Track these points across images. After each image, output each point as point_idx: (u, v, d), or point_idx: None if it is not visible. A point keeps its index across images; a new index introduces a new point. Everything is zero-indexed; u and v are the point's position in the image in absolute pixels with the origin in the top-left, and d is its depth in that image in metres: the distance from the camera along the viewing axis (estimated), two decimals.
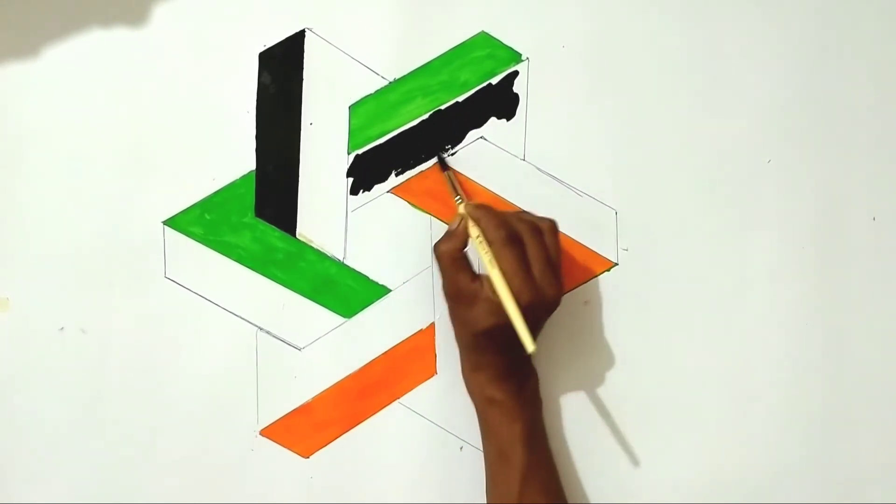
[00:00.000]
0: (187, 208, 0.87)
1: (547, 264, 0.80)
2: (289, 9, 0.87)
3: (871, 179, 0.91)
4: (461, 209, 0.83)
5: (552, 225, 0.83)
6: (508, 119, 0.89)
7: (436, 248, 0.83)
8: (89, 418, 0.86)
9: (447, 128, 0.89)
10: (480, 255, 0.80)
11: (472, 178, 0.89)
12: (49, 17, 0.86)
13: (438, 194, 0.88)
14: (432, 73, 0.88)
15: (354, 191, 0.88)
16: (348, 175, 0.88)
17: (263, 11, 0.87)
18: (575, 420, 0.89)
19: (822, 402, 0.90)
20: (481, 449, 0.86)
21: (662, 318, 0.89)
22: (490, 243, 0.80)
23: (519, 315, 0.78)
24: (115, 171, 0.87)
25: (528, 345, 0.77)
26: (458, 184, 0.86)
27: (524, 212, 0.85)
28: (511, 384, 0.82)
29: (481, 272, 0.82)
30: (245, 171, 0.87)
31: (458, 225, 0.82)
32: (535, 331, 0.81)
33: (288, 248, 0.88)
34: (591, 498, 0.87)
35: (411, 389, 0.88)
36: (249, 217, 0.87)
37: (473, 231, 0.81)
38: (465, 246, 0.82)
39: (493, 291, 0.79)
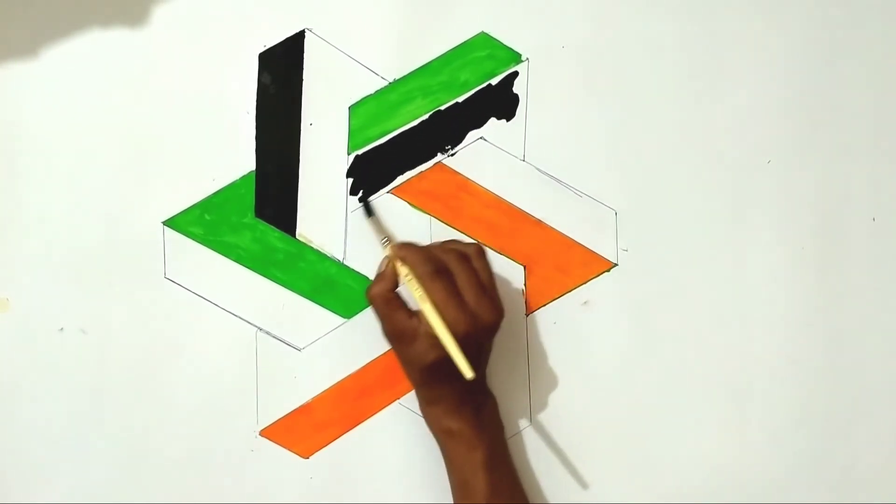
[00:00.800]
0: (187, 209, 0.87)
1: (479, 289, 0.80)
2: (289, 9, 0.87)
3: (871, 180, 0.91)
4: (387, 251, 0.83)
5: (478, 248, 0.83)
6: (508, 119, 0.89)
7: (367, 292, 0.82)
8: (89, 418, 0.86)
9: (447, 128, 0.89)
10: (412, 292, 0.80)
11: (471, 179, 0.89)
12: (49, 17, 0.86)
13: (438, 195, 0.88)
14: (432, 74, 0.88)
15: (354, 191, 0.88)
16: (348, 175, 0.88)
17: (263, 12, 0.87)
18: (574, 420, 0.89)
19: (822, 402, 0.90)
20: None
21: (662, 318, 0.89)
22: (419, 279, 0.80)
23: (454, 345, 0.78)
24: (115, 171, 0.87)
25: (466, 372, 0.77)
26: (383, 227, 0.86)
27: (451, 241, 0.85)
28: (467, 413, 0.82)
29: (418, 309, 0.81)
30: (245, 172, 0.87)
31: (386, 266, 0.82)
32: (479, 356, 0.82)
33: (288, 248, 0.88)
34: (591, 497, 0.87)
35: (411, 390, 0.88)
36: (249, 217, 0.87)
37: (402, 270, 0.81)
38: (396, 286, 0.82)
39: (431, 326, 0.79)
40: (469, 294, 0.80)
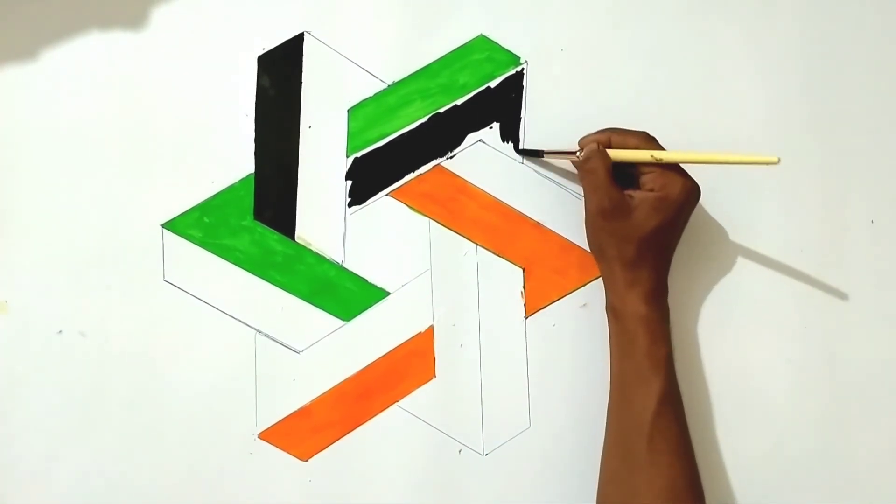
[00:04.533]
0: (186, 211, 0.87)
1: None
2: (288, 12, 0.88)
3: (870, 182, 0.91)
4: (587, 150, 0.84)
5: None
6: (507, 122, 0.89)
7: (587, 166, 0.84)
8: (88, 421, 0.86)
9: (446, 131, 0.89)
10: (637, 157, 0.83)
11: (470, 182, 0.89)
12: (48, 19, 0.86)
13: (437, 197, 0.88)
14: (431, 76, 0.88)
15: (353, 193, 0.88)
16: (347, 178, 0.88)
17: (263, 15, 0.88)
18: (573, 422, 0.88)
19: (822, 403, 0.90)
20: (481, 451, 0.87)
21: None
22: (640, 145, 0.84)
23: (729, 154, 0.84)
24: (113, 173, 0.87)
25: (771, 158, 0.81)
26: (560, 149, 0.88)
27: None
28: (661, 305, 0.84)
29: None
30: (244, 174, 0.87)
31: (597, 147, 0.84)
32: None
33: (286, 250, 0.87)
34: (592, 497, 0.87)
35: (410, 392, 0.88)
36: (248, 220, 0.87)
37: (614, 152, 0.84)
38: (611, 166, 0.84)
39: (652, 189, 0.83)
40: None
